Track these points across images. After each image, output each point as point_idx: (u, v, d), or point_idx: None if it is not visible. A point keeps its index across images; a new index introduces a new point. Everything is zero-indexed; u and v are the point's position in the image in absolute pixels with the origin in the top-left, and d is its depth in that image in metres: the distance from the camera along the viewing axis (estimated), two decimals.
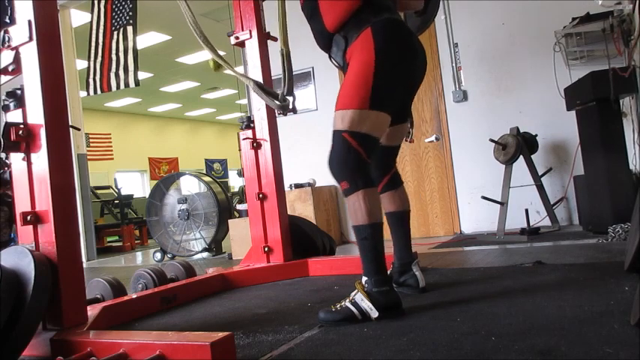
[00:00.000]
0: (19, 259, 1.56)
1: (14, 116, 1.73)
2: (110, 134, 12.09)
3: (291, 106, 2.52)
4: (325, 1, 1.87)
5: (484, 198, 3.81)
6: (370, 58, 1.72)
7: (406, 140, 2.27)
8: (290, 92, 2.44)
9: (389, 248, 2.18)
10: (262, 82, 2.95)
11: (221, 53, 2.59)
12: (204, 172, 14.23)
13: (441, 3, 4.49)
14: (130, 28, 5.34)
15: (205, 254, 5.21)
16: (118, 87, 5.41)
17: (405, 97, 1.95)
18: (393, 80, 1.76)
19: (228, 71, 2.57)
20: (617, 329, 1.26)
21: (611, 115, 3.21)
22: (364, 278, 1.69)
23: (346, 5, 1.80)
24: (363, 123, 1.71)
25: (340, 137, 1.72)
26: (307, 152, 5.00)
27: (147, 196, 6.04)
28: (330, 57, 2.00)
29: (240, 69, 5.38)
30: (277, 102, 2.35)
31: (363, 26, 1.76)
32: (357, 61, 1.76)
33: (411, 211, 2.16)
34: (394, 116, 1.89)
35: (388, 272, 2.02)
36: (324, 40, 1.94)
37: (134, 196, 8.96)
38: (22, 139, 1.68)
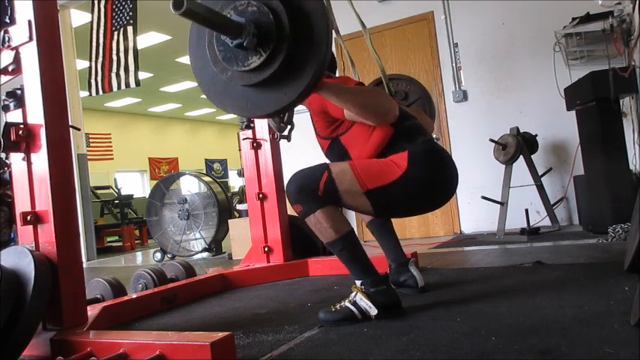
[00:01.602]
0: (19, 259, 1.56)
1: (14, 116, 1.73)
2: (110, 134, 12.09)
3: (286, 133, 2.56)
4: (354, 142, 1.81)
5: (484, 198, 3.80)
6: (401, 168, 1.67)
7: None
8: (289, 121, 2.46)
9: (379, 249, 2.19)
10: None
11: None
12: (204, 172, 14.24)
13: (441, 2, 4.52)
14: (130, 28, 5.34)
15: (205, 254, 5.21)
16: (119, 87, 5.41)
17: (408, 213, 1.90)
18: (402, 200, 1.72)
19: None
20: (617, 329, 1.26)
21: (611, 115, 3.21)
22: (358, 281, 1.69)
23: (379, 139, 1.76)
24: (347, 190, 1.67)
25: (322, 170, 1.69)
26: (307, 152, 4.98)
27: (147, 196, 6.04)
28: None
29: None
30: (276, 123, 2.37)
31: (398, 151, 1.72)
32: (391, 158, 1.72)
33: None
34: (386, 215, 1.93)
35: (385, 274, 2.03)
36: None
37: (134, 196, 8.95)
38: (22, 139, 1.68)
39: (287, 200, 3.07)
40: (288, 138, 2.65)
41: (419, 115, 2.04)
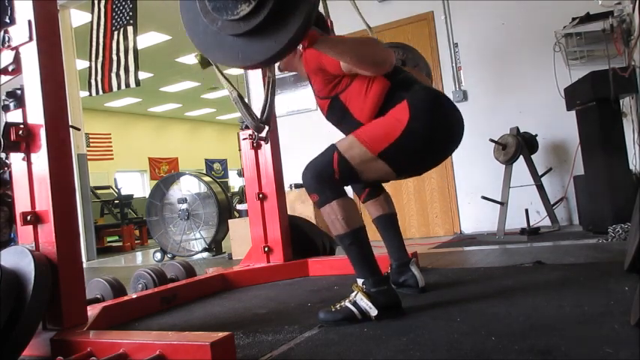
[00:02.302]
0: (19, 259, 1.56)
1: (14, 116, 1.73)
2: (110, 134, 12.08)
3: (264, 134, 2.53)
4: (353, 99, 1.81)
5: (484, 198, 3.80)
6: (404, 118, 1.67)
7: None
8: (267, 121, 2.45)
9: (382, 249, 2.19)
10: (262, 80, 2.95)
11: None
12: (204, 172, 14.23)
13: (441, 2, 4.52)
14: (130, 28, 5.34)
15: (205, 254, 5.21)
16: (119, 87, 5.41)
17: (426, 164, 1.90)
18: (416, 148, 1.71)
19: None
20: (617, 329, 1.26)
21: (611, 115, 3.21)
22: (360, 280, 1.69)
23: (377, 92, 1.76)
24: (360, 161, 1.68)
25: (331, 153, 1.70)
26: (307, 152, 4.97)
27: (147, 196, 6.04)
28: None
29: (240, 70, 5.40)
30: (253, 122, 2.36)
31: (397, 102, 1.72)
32: (391, 114, 1.71)
33: (398, 212, 2.18)
34: (406, 174, 1.90)
35: (386, 273, 2.03)
36: None
37: (134, 196, 8.95)
38: (22, 139, 1.68)
39: (286, 200, 3.09)
40: (265, 139, 2.64)
41: (417, 75, 2.04)
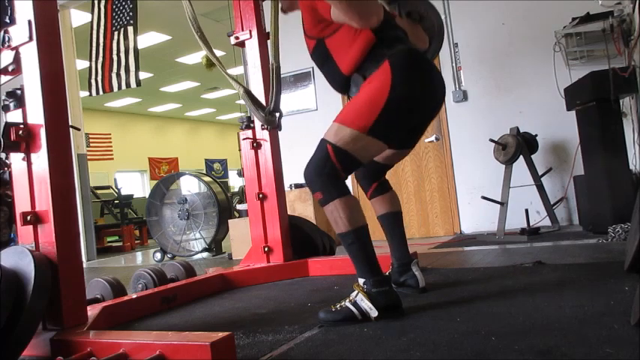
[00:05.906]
0: (19, 259, 1.56)
1: (14, 116, 1.73)
2: (110, 134, 12.07)
3: (276, 123, 2.54)
4: (337, 47, 1.82)
5: (484, 198, 3.80)
6: (386, 86, 1.67)
7: None
8: (276, 109, 2.45)
9: (383, 249, 2.19)
10: (262, 81, 2.96)
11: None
12: (204, 172, 14.23)
13: (441, 2, 4.51)
14: (130, 28, 5.34)
15: (205, 254, 5.22)
16: (119, 87, 5.41)
17: (416, 128, 1.90)
18: (403, 114, 1.72)
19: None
20: (617, 329, 1.26)
21: (611, 115, 3.21)
22: (361, 280, 1.69)
23: (361, 45, 1.76)
24: (353, 144, 1.68)
25: (324, 147, 1.71)
26: (307, 152, 4.97)
27: (147, 196, 6.04)
28: (348, 97, 1.92)
29: (240, 69, 5.40)
30: (263, 115, 2.36)
31: (380, 61, 1.71)
32: (372, 84, 1.71)
33: (402, 212, 2.16)
34: (400, 144, 1.90)
35: (388, 273, 2.03)
36: (341, 82, 1.89)
37: (134, 196, 8.95)
38: (22, 139, 1.68)
39: (286, 200, 3.09)
40: (279, 127, 2.63)
41: (414, 29, 2.02)
